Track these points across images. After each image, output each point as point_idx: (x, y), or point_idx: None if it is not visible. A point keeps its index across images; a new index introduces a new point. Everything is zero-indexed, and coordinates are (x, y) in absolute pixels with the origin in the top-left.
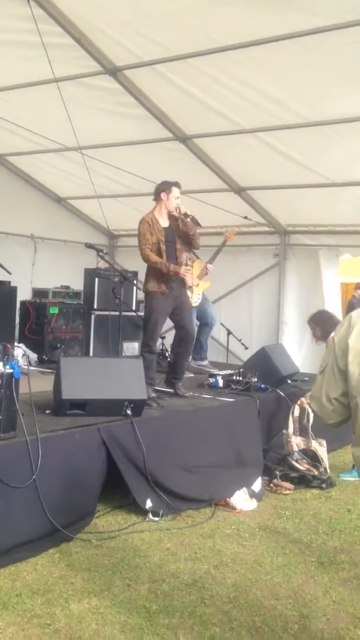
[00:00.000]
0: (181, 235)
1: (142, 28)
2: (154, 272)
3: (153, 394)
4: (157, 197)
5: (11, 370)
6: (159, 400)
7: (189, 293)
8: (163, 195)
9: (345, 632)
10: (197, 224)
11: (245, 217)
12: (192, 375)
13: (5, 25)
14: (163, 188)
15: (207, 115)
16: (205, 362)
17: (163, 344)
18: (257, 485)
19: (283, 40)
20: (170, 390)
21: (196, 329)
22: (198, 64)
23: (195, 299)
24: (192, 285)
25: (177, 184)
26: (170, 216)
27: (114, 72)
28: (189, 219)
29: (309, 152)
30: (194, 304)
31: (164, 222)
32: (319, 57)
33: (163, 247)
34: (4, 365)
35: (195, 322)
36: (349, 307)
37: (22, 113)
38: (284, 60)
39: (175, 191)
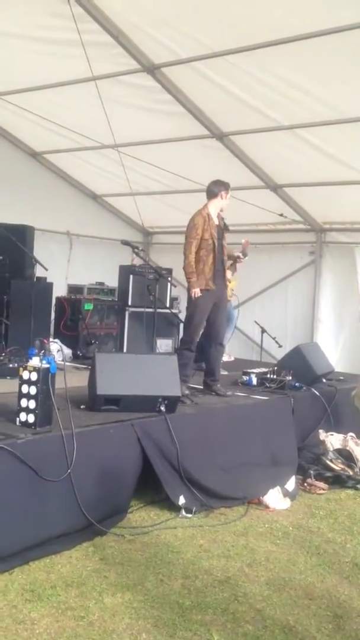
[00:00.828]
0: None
1: (179, 25)
2: (202, 268)
3: (187, 391)
4: (214, 194)
5: (48, 365)
6: (192, 397)
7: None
8: (223, 193)
9: None
10: (227, 228)
11: (281, 215)
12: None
13: (45, 23)
14: (224, 186)
15: (244, 112)
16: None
17: None
18: (291, 484)
19: (322, 36)
20: (209, 392)
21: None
22: (236, 61)
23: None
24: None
25: (229, 185)
26: (219, 215)
27: (152, 69)
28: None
29: (346, 148)
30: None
31: (216, 220)
32: (358, 52)
33: (216, 243)
34: (41, 360)
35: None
36: None
37: (59, 111)
38: (322, 55)
39: (230, 192)
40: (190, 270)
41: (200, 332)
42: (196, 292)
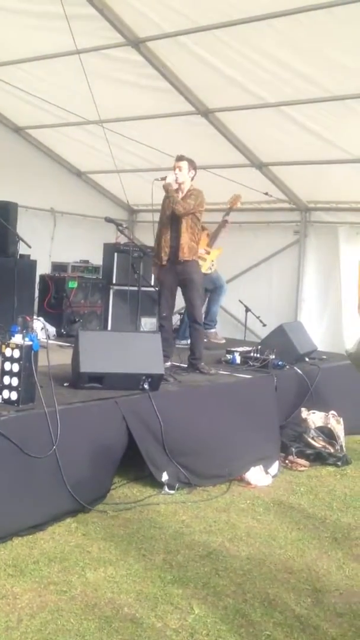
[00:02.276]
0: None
1: None
2: (158, 245)
3: (167, 364)
4: None
5: (30, 343)
6: (176, 375)
7: (200, 262)
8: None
9: (358, 606)
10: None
11: (266, 194)
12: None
13: None
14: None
15: (230, 89)
16: (212, 331)
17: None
18: (275, 466)
19: (309, 12)
20: (193, 370)
21: (207, 297)
22: (222, 36)
23: (208, 266)
24: (202, 255)
25: (177, 156)
26: (188, 190)
27: (137, 43)
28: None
29: (332, 126)
30: (206, 272)
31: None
32: (347, 29)
33: (166, 220)
34: (24, 337)
35: (222, 287)
36: None
37: (43, 85)
38: (309, 32)
39: (174, 163)
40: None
41: (165, 306)
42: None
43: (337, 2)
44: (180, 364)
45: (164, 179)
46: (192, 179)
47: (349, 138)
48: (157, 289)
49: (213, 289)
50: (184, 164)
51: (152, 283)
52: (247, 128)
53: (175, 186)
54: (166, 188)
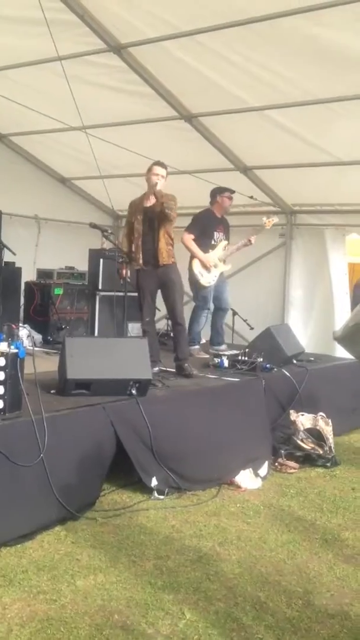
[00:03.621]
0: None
1: (146, 4)
2: (135, 251)
3: (155, 369)
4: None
5: (16, 350)
6: (164, 380)
7: (204, 273)
8: (146, 174)
9: (349, 607)
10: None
11: (251, 197)
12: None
13: (7, 1)
14: (148, 170)
15: (213, 93)
16: (222, 347)
17: (168, 325)
18: (265, 467)
19: (290, 16)
20: (179, 371)
21: (211, 312)
22: (204, 41)
23: (210, 278)
24: (210, 266)
25: (157, 162)
26: (158, 195)
27: (119, 49)
28: (156, 189)
29: (316, 130)
30: (206, 284)
31: (148, 202)
32: (328, 33)
33: (138, 226)
34: (9, 345)
35: (210, 306)
36: (357, 288)
37: (25, 91)
38: (291, 36)
39: (154, 168)
40: (120, 239)
41: (148, 310)
42: (123, 272)
43: (315, 7)
44: (166, 368)
45: (154, 185)
46: None
47: (332, 141)
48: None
49: (201, 305)
50: (165, 173)
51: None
52: (231, 132)
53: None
54: (161, 194)
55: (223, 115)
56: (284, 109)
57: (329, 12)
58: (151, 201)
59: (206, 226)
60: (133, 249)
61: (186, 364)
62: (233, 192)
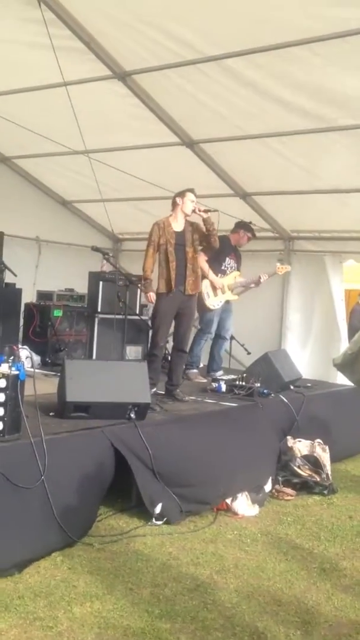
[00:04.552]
0: (199, 238)
1: (151, 33)
2: (160, 272)
3: (153, 390)
4: (173, 204)
5: (17, 372)
6: (162, 404)
7: (210, 294)
8: (178, 199)
9: (348, 638)
10: (252, 233)
11: (250, 223)
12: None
13: (16, 27)
14: (178, 194)
15: (213, 120)
16: (219, 373)
17: (167, 349)
18: (268, 486)
19: (290, 47)
20: (169, 397)
21: (211, 338)
22: (206, 69)
23: (215, 302)
24: (219, 288)
25: (191, 189)
26: (187, 222)
27: (123, 76)
28: (209, 215)
29: (314, 158)
30: (211, 306)
31: (178, 227)
32: (327, 62)
33: (171, 249)
34: (10, 366)
35: (212, 331)
36: (352, 314)
37: (29, 115)
38: (291, 66)
39: (189, 195)
40: (144, 275)
41: (164, 336)
42: (149, 296)
43: (315, 39)
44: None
45: (207, 211)
46: None
47: (331, 169)
48: (144, 317)
49: (204, 328)
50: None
51: (137, 312)
52: (231, 159)
53: None
54: (210, 221)
55: (224, 142)
56: (283, 137)
57: (324, 45)
58: (180, 226)
59: (219, 251)
60: (166, 273)
61: (178, 390)
62: (255, 237)
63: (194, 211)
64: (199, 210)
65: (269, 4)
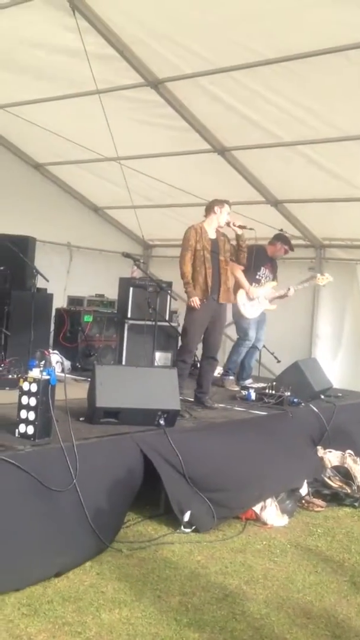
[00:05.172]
0: (229, 250)
1: (184, 41)
2: (195, 278)
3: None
4: (209, 211)
5: (48, 377)
6: (191, 411)
7: (247, 303)
8: (216, 209)
9: None
10: (290, 246)
11: (281, 230)
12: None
13: (51, 35)
14: (216, 203)
15: (246, 128)
16: (248, 381)
17: (196, 355)
18: (304, 489)
19: (324, 55)
20: (199, 404)
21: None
22: (239, 77)
23: (251, 311)
24: (255, 298)
25: (228, 201)
26: (218, 231)
27: (156, 84)
28: (243, 231)
29: (347, 165)
30: (247, 315)
31: (212, 234)
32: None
33: (208, 255)
34: (41, 371)
35: (251, 339)
36: None
37: (62, 123)
38: (324, 74)
39: (227, 207)
40: (185, 280)
41: (196, 344)
42: (194, 300)
43: (350, 46)
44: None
45: (242, 227)
46: None
47: None
48: (174, 324)
49: (242, 336)
50: None
51: (167, 318)
52: (263, 166)
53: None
54: (243, 238)
55: (255, 149)
56: (315, 145)
57: (357, 52)
58: (213, 234)
59: (255, 261)
60: (203, 281)
61: (207, 397)
62: (292, 249)
63: (227, 224)
64: (234, 225)
65: (302, 12)
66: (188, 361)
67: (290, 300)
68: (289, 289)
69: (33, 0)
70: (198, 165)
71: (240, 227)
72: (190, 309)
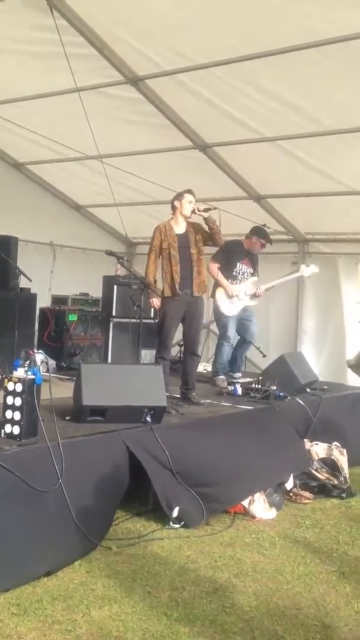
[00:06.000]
0: (203, 238)
1: (163, 37)
2: (164, 277)
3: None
4: (172, 207)
5: (33, 377)
6: (177, 407)
7: (226, 300)
8: (176, 202)
9: None
10: (267, 240)
11: (264, 225)
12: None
13: (29, 35)
14: (175, 197)
15: (227, 124)
16: (238, 375)
17: (180, 352)
18: (290, 484)
19: (304, 50)
20: (185, 400)
21: (235, 342)
22: (219, 73)
23: (230, 308)
24: (233, 296)
25: (189, 191)
26: (188, 223)
27: (136, 81)
28: (209, 214)
29: (329, 160)
30: (226, 312)
31: (179, 229)
32: (341, 65)
33: (174, 252)
34: (26, 371)
35: (235, 336)
36: None
37: (43, 122)
38: (305, 68)
39: (187, 197)
40: (147, 280)
41: (171, 340)
42: (153, 301)
43: (328, 41)
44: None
45: (207, 210)
46: None
47: (345, 171)
48: (155, 320)
49: (221, 333)
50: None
51: (152, 315)
52: (245, 162)
53: None
54: (211, 219)
55: (237, 145)
56: (296, 139)
57: (339, 47)
58: (182, 228)
59: (230, 256)
60: (163, 275)
61: (194, 393)
62: (271, 243)
63: (193, 212)
64: (199, 210)
65: (283, 7)
66: (166, 357)
67: (276, 295)
68: (258, 288)
69: None
70: (180, 163)
71: (205, 210)
72: (162, 306)
